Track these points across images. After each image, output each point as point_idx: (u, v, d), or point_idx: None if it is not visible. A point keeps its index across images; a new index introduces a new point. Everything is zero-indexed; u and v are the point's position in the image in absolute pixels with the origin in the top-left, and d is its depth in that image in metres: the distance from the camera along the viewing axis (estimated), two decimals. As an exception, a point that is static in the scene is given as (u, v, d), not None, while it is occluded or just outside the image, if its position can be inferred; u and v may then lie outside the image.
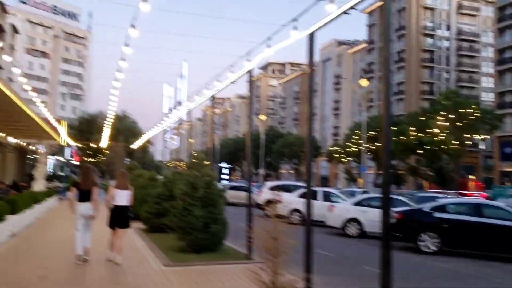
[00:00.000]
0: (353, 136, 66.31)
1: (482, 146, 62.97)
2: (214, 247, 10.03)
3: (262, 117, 78.29)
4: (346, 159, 71.73)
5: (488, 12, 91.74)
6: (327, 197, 19.70)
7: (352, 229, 16.37)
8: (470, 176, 58.31)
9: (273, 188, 22.83)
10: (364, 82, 46.97)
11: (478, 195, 39.90)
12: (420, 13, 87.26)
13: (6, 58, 41.63)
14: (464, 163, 60.40)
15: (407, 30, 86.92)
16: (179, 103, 17.02)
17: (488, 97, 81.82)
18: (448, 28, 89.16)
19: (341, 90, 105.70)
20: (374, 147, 63.25)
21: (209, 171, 10.15)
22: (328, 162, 77.23)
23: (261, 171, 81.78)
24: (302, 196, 19.56)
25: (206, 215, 9.78)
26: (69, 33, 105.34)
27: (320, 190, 20.83)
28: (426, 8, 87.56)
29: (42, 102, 29.14)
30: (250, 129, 9.58)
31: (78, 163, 51.81)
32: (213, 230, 9.80)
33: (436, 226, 13.26)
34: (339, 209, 16.85)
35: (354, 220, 16.31)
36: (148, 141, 39.34)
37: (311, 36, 6.96)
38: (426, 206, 13.95)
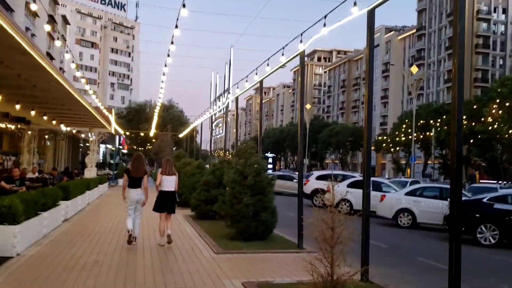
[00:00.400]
0: (402, 126, 64.51)
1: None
2: (264, 235, 9.86)
3: (307, 106, 77.49)
4: (394, 149, 69.95)
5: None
6: (377, 187, 19.10)
7: (404, 220, 15.80)
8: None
9: (320, 177, 22.39)
10: (414, 69, 45.39)
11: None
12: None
13: (64, 54, 42.90)
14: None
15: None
16: (227, 90, 16.84)
17: (547, 84, 77.42)
18: (504, 11, 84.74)
19: (389, 78, 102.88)
20: (423, 137, 61.40)
21: (259, 159, 9.95)
22: (376, 152, 75.50)
23: (306, 161, 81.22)
24: (351, 185, 19.08)
25: (255, 203, 9.60)
26: (117, 23, 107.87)
27: (370, 180, 20.20)
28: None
29: (94, 92, 29.96)
30: (301, 116, 9.27)
31: (126, 151, 53.17)
32: (263, 218, 9.62)
33: (496, 218, 12.55)
34: (390, 199, 16.29)
35: (406, 210, 15.73)
36: (195, 130, 39.67)
37: (371, 13, 6.57)
38: (485, 197, 13.20)
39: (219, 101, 19.30)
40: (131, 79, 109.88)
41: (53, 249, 8.57)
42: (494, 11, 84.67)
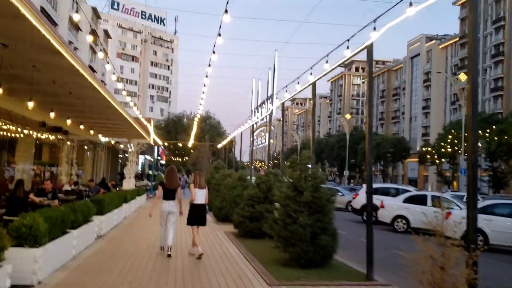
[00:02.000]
0: (448, 136, 61.55)
1: None
2: (323, 262, 8.38)
3: (347, 116, 75.35)
4: (439, 160, 66.83)
5: None
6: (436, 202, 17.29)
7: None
8: None
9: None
10: (463, 76, 42.92)
11: None
12: (521, 2, 79.33)
13: (107, 66, 43.22)
14: None
15: (507, 21, 79.43)
16: (270, 98, 15.54)
17: None
18: None
19: (431, 88, 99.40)
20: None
21: (317, 171, 8.54)
22: (420, 164, 72.46)
23: (346, 173, 78.89)
24: (407, 200, 17.35)
25: (313, 224, 8.17)
26: (156, 37, 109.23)
27: (429, 194, 18.42)
28: (528, -4, 79.46)
29: (135, 104, 29.57)
30: (370, 118, 7.81)
31: (165, 162, 52.64)
32: (323, 242, 8.16)
33: None
34: (456, 217, 14.41)
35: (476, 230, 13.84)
36: (233, 140, 38.60)
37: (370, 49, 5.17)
38: None
39: (261, 108, 18.02)
40: (169, 92, 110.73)
41: (80, 276, 7.42)
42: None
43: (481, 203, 14.81)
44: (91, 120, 17.82)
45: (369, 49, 7.67)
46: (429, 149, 68.71)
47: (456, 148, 60.42)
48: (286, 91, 12.78)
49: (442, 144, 63.37)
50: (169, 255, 9.24)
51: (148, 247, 10.60)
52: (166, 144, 48.65)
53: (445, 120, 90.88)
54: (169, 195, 9.73)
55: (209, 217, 17.70)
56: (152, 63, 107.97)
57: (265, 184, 12.15)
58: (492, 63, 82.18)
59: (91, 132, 19.98)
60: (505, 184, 61.24)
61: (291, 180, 8.68)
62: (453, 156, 62.85)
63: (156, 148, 38.57)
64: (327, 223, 8.33)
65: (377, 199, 20.20)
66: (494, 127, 55.05)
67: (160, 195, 9.89)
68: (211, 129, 57.01)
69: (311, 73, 11.55)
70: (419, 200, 17.54)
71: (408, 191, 19.85)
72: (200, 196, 9.61)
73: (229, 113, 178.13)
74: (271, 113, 15.94)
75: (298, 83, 12.92)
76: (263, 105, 16.71)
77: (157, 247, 10.43)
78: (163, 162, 52.54)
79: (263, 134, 20.28)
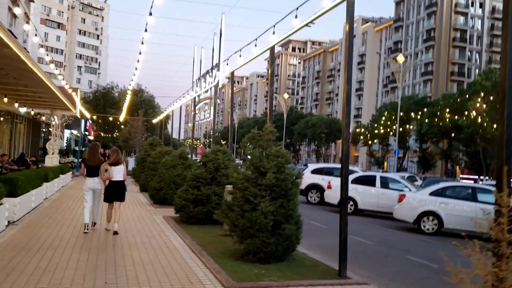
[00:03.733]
0: (381, 118, 62.92)
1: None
2: (285, 254, 7.11)
3: (285, 96, 74.98)
4: (371, 141, 68.42)
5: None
6: (385, 183, 16.67)
7: (428, 225, 13.33)
8: None
9: (316, 171, 19.80)
10: (401, 58, 43.41)
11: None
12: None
13: (25, 26, 38.74)
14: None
15: (438, 7, 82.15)
16: (216, 66, 13.90)
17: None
18: (481, 5, 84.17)
19: (365, 70, 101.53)
20: (402, 130, 59.84)
21: (282, 150, 7.18)
22: (353, 144, 73.85)
23: (281, 152, 78.92)
24: (355, 181, 16.59)
25: (276, 211, 6.85)
26: (85, 4, 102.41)
27: (378, 175, 17.78)
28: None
29: (60, 74, 26.73)
30: (349, 86, 6.52)
31: (93, 137, 49.37)
32: (286, 231, 6.87)
33: None
34: (412, 199, 13.79)
35: (431, 213, 13.26)
36: (168, 116, 36.51)
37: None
38: None
39: (204, 79, 16.39)
40: (99, 63, 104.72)
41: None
42: (472, 5, 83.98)
43: (436, 186, 14.27)
44: (5, 86, 15.30)
45: (350, 1, 6.34)
46: (362, 130, 70.11)
47: (388, 129, 61.99)
48: (240, 55, 11.28)
49: (376, 125, 64.76)
50: (93, 229, 9.57)
51: (72, 236, 8.84)
52: (94, 117, 45.39)
53: (377, 103, 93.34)
54: (92, 172, 9.73)
55: (145, 199, 16.01)
56: (80, 31, 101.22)
57: (212, 163, 10.65)
58: (424, 47, 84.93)
59: (5, 100, 17.35)
60: (432, 165, 63.88)
61: (252, 159, 7.24)
62: (385, 137, 64.51)
63: (83, 122, 35.62)
64: (292, 210, 7.04)
65: (322, 179, 19.41)
66: (425, 109, 56.78)
67: (84, 172, 9.87)
68: (143, 103, 54.14)
69: (255, 45, 10.33)
70: (368, 181, 16.88)
71: (354, 171, 19.17)
72: (118, 173, 9.64)
73: (165, 87, 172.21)
74: (217, 84, 14.37)
75: (256, 45, 11.46)
76: (208, 75, 15.07)
77: (83, 237, 8.75)
78: (91, 137, 49.21)
79: (206, 108, 18.65)
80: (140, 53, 18.51)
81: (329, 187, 17.55)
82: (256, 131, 7.31)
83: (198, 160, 13.49)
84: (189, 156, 15.89)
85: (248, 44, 10.69)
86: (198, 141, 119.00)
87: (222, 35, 14.35)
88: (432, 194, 13.58)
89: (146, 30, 14.40)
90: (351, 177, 17.55)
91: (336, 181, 17.76)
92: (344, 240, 6.45)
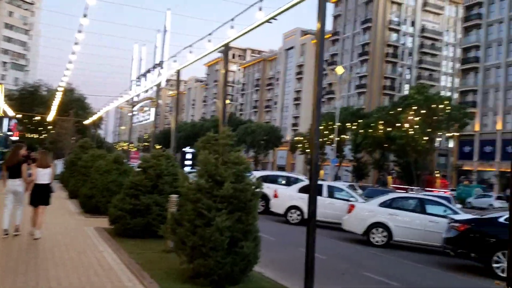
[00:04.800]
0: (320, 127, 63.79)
1: (450, 144, 62.08)
2: (241, 275, 6.23)
3: (227, 101, 74.11)
4: (309, 149, 69.24)
5: (451, 12, 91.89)
6: (331, 193, 16.24)
7: (378, 237, 12.94)
8: (437, 174, 57.29)
9: (260, 179, 19.04)
10: (340, 70, 44.09)
11: (443, 193, 38.04)
12: (387, 7, 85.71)
13: None
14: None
15: (373, 23, 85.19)
16: (159, 65, 12.85)
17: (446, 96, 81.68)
18: (413, 24, 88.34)
19: (303, 80, 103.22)
20: (338, 139, 61.03)
21: (240, 156, 6.31)
22: (291, 152, 74.48)
23: (219, 158, 78.02)
24: (302, 190, 16.04)
25: (233, 226, 5.97)
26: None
27: (325, 184, 17.34)
28: (393, 2, 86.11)
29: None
30: (319, 87, 5.79)
31: (18, 138, 45.76)
32: (244, 250, 6.00)
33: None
34: (361, 210, 13.38)
35: (380, 225, 12.89)
36: (101, 118, 34.42)
37: None
38: (502, 217, 10.40)
39: (145, 80, 15.21)
40: (27, 60, 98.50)
41: None
42: (404, 23, 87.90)
43: (385, 197, 13.99)
44: None
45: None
46: (301, 138, 70.91)
47: (325, 139, 62.94)
48: (191, 51, 10.32)
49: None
50: (16, 235, 9.04)
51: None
52: (19, 116, 42.04)
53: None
54: (12, 173, 9.29)
55: (74, 207, 14.48)
56: (6, 25, 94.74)
57: (154, 170, 9.55)
58: (359, 61, 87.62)
59: None
60: (366, 174, 65.59)
61: (207, 167, 6.30)
62: (322, 146, 65.45)
63: (7, 120, 32.73)
64: (251, 224, 6.19)
65: (267, 188, 18.69)
66: (360, 121, 58.23)
67: (6, 174, 9.39)
68: (74, 102, 51.02)
69: (209, 41, 9.52)
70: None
71: (300, 179, 18.66)
72: (43, 175, 9.35)
73: (102, 88, 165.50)
74: (159, 84, 13.25)
75: (209, 40, 10.68)
76: (151, 73, 13.90)
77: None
78: (14, 138, 45.57)
79: (146, 108, 17.38)
80: (73, 53, 17.91)
81: (275, 196, 16.87)
82: (212, 134, 6.40)
83: (134, 166, 12.30)
84: (125, 160, 14.58)
85: (200, 39, 9.89)
86: (132, 145, 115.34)
87: (166, 32, 13.30)
88: (381, 205, 13.27)
89: (80, 31, 14.20)
90: (298, 186, 17.05)
91: (283, 190, 17.17)
92: (311, 260, 5.69)
